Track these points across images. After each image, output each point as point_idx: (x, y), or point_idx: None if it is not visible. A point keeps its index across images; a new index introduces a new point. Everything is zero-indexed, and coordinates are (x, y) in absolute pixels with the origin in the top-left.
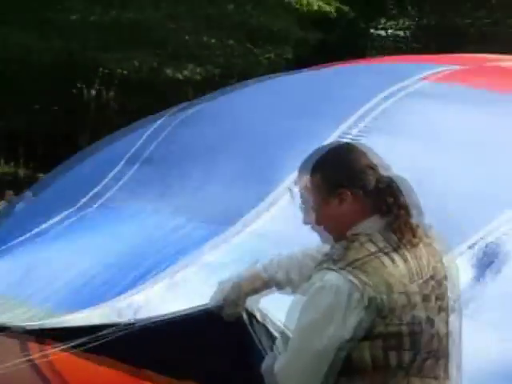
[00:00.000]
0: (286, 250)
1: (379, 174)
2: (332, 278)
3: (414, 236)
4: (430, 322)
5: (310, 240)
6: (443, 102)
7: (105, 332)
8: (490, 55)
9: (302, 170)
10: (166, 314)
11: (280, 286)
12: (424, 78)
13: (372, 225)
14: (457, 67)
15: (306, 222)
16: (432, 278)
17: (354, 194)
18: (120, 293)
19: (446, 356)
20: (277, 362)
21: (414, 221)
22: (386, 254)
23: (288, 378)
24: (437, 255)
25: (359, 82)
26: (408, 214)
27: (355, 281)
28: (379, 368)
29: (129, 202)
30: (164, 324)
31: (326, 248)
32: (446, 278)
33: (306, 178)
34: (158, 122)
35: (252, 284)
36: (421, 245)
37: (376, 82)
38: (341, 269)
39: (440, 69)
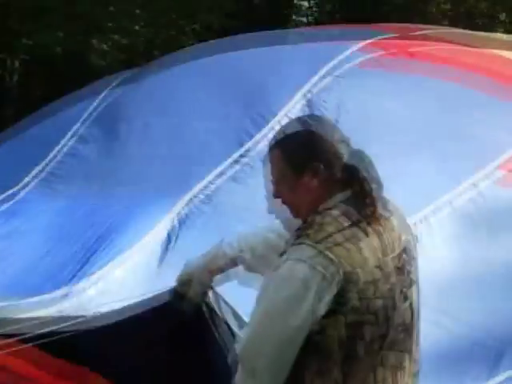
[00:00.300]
0: (238, 225)
1: (350, 148)
2: (307, 252)
3: (386, 210)
4: (404, 295)
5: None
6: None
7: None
8: (413, 25)
9: (270, 143)
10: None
11: (246, 264)
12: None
13: (344, 199)
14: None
15: (275, 197)
16: (404, 251)
17: (326, 169)
18: (72, 278)
19: (416, 330)
20: (240, 343)
21: (384, 195)
22: (360, 227)
23: (255, 357)
24: (407, 228)
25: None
26: (379, 188)
27: (331, 255)
28: (353, 342)
29: (71, 182)
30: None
31: (295, 222)
32: (415, 251)
33: (274, 152)
34: (96, 100)
35: (218, 262)
36: (392, 218)
37: (307, 63)
38: (316, 243)
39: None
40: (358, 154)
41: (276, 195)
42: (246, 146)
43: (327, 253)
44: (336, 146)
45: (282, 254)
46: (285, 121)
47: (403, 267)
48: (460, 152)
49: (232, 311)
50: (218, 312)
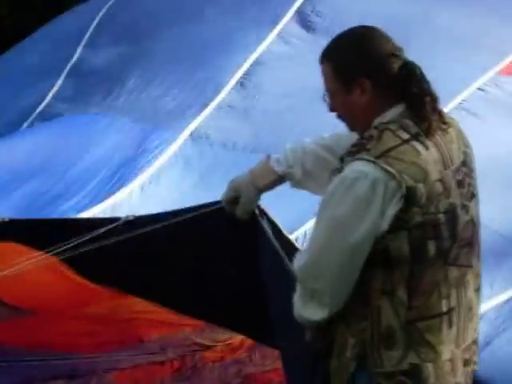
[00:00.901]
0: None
1: (402, 60)
2: (367, 168)
3: (443, 122)
4: (465, 208)
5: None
6: None
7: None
8: None
9: (320, 56)
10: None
11: (295, 180)
12: None
13: (400, 113)
14: None
15: (330, 110)
16: (463, 163)
17: (376, 83)
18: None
19: (478, 243)
20: (298, 259)
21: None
22: (419, 140)
23: (315, 278)
24: (465, 140)
25: None
26: (434, 100)
27: (392, 170)
28: (418, 258)
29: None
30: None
31: (344, 138)
32: (474, 162)
33: (325, 66)
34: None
35: (265, 179)
36: (450, 130)
37: None
38: (376, 158)
39: None
40: (410, 66)
41: (331, 109)
42: None
43: (388, 168)
44: (386, 58)
45: (337, 171)
46: None
47: (463, 180)
48: None
49: (274, 230)
50: (266, 230)
